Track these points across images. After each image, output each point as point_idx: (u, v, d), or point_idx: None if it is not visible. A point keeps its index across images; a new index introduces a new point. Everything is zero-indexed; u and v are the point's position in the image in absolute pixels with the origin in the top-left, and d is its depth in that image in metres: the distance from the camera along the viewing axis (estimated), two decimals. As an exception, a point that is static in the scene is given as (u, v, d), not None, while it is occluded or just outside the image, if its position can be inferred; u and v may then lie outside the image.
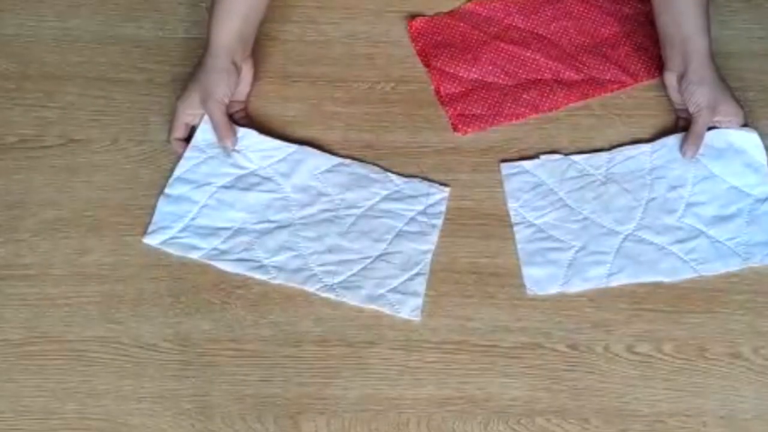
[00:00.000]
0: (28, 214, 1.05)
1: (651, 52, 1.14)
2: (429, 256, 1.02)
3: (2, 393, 0.95)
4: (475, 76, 1.13)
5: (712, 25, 1.14)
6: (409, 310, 0.98)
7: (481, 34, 1.16)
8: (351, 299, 0.99)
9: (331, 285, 0.99)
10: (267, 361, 0.97)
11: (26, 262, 1.02)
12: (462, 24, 1.17)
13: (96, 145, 1.09)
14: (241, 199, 1.04)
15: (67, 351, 0.97)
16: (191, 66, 1.13)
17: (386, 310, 0.98)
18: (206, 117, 1.06)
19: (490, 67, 1.14)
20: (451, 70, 1.13)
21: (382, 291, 0.99)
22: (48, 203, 1.05)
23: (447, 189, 1.06)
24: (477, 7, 1.18)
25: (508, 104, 1.11)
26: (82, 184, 1.07)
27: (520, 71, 1.13)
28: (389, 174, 1.06)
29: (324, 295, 0.99)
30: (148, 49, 1.15)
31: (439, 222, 1.04)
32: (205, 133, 1.07)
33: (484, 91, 1.12)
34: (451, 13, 1.18)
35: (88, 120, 1.11)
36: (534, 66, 1.13)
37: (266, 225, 1.03)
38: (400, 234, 1.03)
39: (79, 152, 1.09)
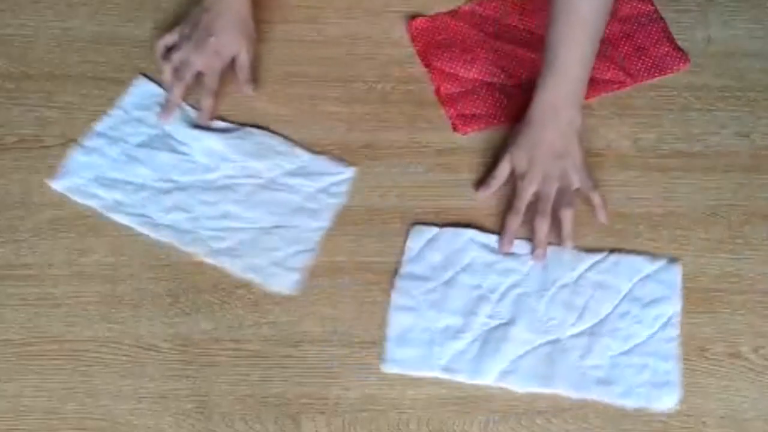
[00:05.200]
0: (28, 214, 1.05)
1: (651, 52, 1.14)
2: (320, 234, 1.02)
3: (2, 393, 0.95)
4: (475, 75, 1.13)
5: (712, 25, 1.15)
6: (283, 284, 0.98)
7: (481, 34, 1.16)
8: (231, 266, 0.99)
9: (216, 250, 1.00)
10: (267, 361, 0.97)
11: (26, 262, 1.02)
12: (462, 24, 1.17)
13: (96, 145, 1.09)
14: (151, 157, 1.06)
15: (67, 351, 0.97)
16: (191, 66, 1.13)
17: (259, 280, 0.98)
18: (136, 83, 1.10)
19: (490, 67, 1.13)
20: (451, 70, 1.13)
21: (262, 262, 0.99)
22: (48, 203, 1.05)
23: (352, 169, 1.06)
24: (477, 7, 1.18)
25: (508, 104, 1.11)
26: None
27: (520, 71, 1.13)
28: (297, 149, 1.07)
29: (208, 260, 1.00)
30: (148, 49, 1.15)
31: (337, 201, 1.04)
32: (133, 97, 1.10)
33: (484, 91, 1.12)
34: (451, 13, 1.18)
35: (88, 120, 1.11)
36: (534, 66, 1.13)
37: (168, 185, 1.04)
38: (296, 209, 1.03)
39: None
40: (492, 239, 1.02)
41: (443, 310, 0.98)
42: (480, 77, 1.13)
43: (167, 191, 1.04)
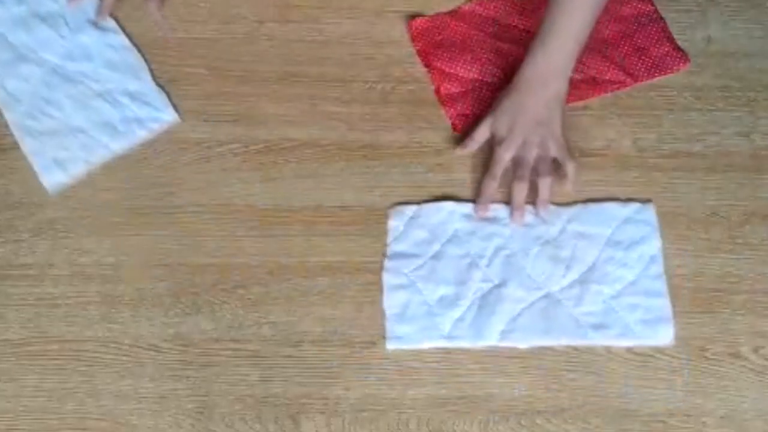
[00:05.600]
0: (28, 214, 1.05)
1: (651, 52, 1.13)
2: (109, 155, 1.07)
3: (2, 393, 0.95)
4: (475, 75, 1.13)
5: (712, 25, 1.15)
6: (49, 180, 1.05)
7: (481, 34, 1.16)
8: (22, 144, 1.07)
9: (23, 125, 1.08)
10: (267, 361, 0.97)
11: (26, 262, 1.02)
12: (462, 24, 1.17)
13: (96, 145, 1.09)
14: (34, 27, 1.15)
15: (67, 351, 0.97)
16: (191, 66, 1.13)
17: (36, 168, 1.06)
18: None
19: (490, 67, 1.13)
20: (452, 70, 1.13)
21: (49, 153, 1.06)
22: (48, 203, 1.05)
23: (175, 115, 1.10)
24: (477, 7, 1.18)
25: None
26: (83, 184, 1.07)
27: None
28: (147, 75, 1.12)
29: (14, 130, 1.08)
30: (148, 49, 1.15)
31: (143, 135, 1.08)
32: None
33: (484, 91, 1.12)
34: (451, 13, 1.18)
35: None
36: None
37: (32, 55, 1.13)
38: (107, 124, 1.08)
39: (79, 152, 1.09)
40: (470, 207, 1.04)
41: (436, 282, 1.00)
42: (480, 77, 1.13)
43: (29, 61, 1.13)
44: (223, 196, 1.06)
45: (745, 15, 1.16)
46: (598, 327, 0.97)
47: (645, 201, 1.04)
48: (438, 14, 1.18)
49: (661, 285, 0.99)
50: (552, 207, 1.03)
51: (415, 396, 0.95)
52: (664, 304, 0.98)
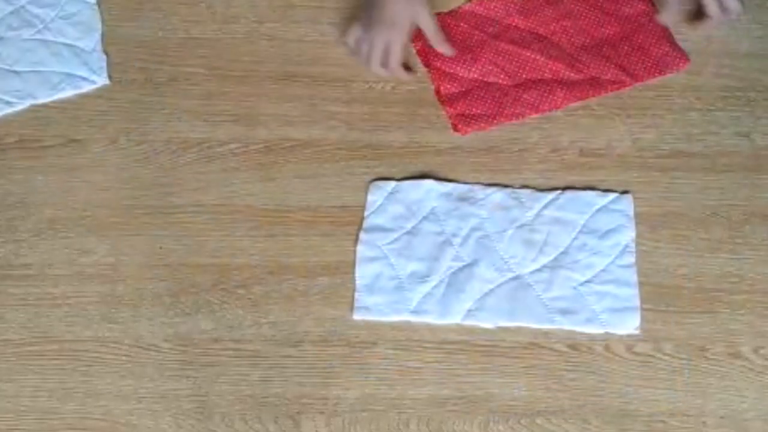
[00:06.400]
0: (28, 214, 1.05)
1: (651, 52, 1.13)
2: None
3: (2, 393, 0.95)
4: (475, 75, 1.13)
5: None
6: None
7: (481, 34, 1.16)
8: None
9: None
10: (267, 361, 0.97)
11: (26, 262, 1.02)
12: (462, 24, 1.17)
13: (96, 145, 1.09)
14: None
15: (67, 351, 0.97)
16: (191, 66, 1.13)
17: None
18: None
19: (490, 67, 1.13)
20: (451, 70, 1.13)
21: None
22: (48, 203, 1.05)
23: (105, 79, 1.12)
24: (477, 7, 1.18)
25: (508, 104, 1.11)
26: (82, 184, 1.07)
27: (520, 71, 1.13)
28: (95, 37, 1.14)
29: None
30: (148, 49, 1.15)
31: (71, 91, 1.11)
32: None
33: (484, 91, 1.12)
34: (451, 13, 1.18)
35: (88, 120, 1.11)
36: (534, 66, 1.13)
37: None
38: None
39: (79, 152, 1.09)
40: (450, 187, 1.05)
41: (408, 257, 1.02)
42: (480, 77, 1.13)
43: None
44: (223, 196, 1.06)
45: (745, 15, 1.16)
46: (565, 312, 0.98)
47: (623, 192, 1.05)
48: (438, 14, 1.18)
49: (631, 275, 1.00)
50: (531, 191, 1.05)
51: (415, 396, 0.95)
52: (632, 294, 0.99)
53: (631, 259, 1.01)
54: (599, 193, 1.05)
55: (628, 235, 1.02)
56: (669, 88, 1.12)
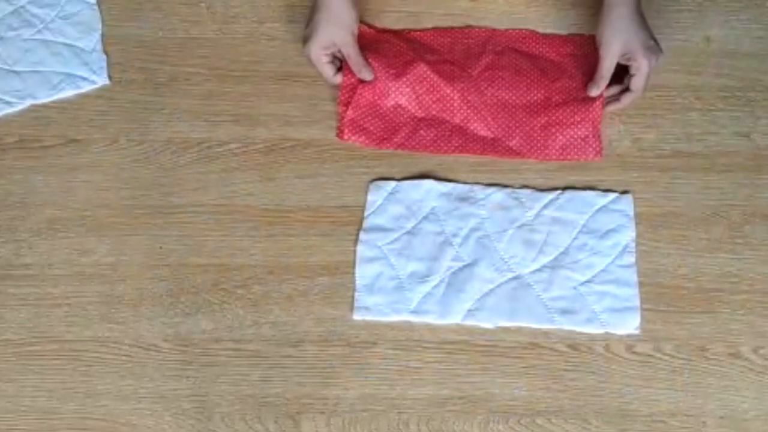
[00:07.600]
0: (28, 214, 1.05)
1: (566, 132, 1.08)
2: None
3: (2, 393, 0.95)
4: (391, 92, 1.09)
5: (712, 25, 1.15)
6: None
7: (414, 56, 1.11)
8: None
9: None
10: (267, 361, 0.97)
11: (26, 262, 1.02)
12: (402, 44, 1.13)
13: (96, 145, 1.09)
14: None
15: (67, 351, 0.97)
16: (191, 66, 1.13)
17: None
18: None
19: (407, 90, 1.09)
20: (379, 75, 1.09)
21: None
22: (48, 203, 1.05)
23: (105, 78, 1.12)
24: (424, 36, 1.14)
25: (403, 134, 1.08)
26: (82, 184, 1.07)
27: (433, 105, 1.09)
28: (95, 36, 1.14)
29: None
30: (148, 49, 1.15)
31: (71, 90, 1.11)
32: None
33: (389, 111, 1.09)
34: (396, 33, 1.14)
35: (88, 120, 1.11)
36: (448, 105, 1.09)
37: None
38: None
39: (79, 152, 1.09)
40: (449, 187, 1.05)
41: (408, 257, 1.02)
42: (394, 96, 1.09)
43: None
44: (223, 196, 1.06)
45: (745, 15, 1.16)
46: (565, 312, 0.98)
47: (623, 192, 1.05)
48: (384, 30, 1.14)
49: (632, 275, 1.00)
50: (531, 191, 1.05)
51: (415, 396, 0.95)
52: (632, 294, 0.99)
53: (631, 259, 1.01)
54: (599, 193, 1.05)
55: (628, 235, 1.02)
56: (669, 88, 1.12)
